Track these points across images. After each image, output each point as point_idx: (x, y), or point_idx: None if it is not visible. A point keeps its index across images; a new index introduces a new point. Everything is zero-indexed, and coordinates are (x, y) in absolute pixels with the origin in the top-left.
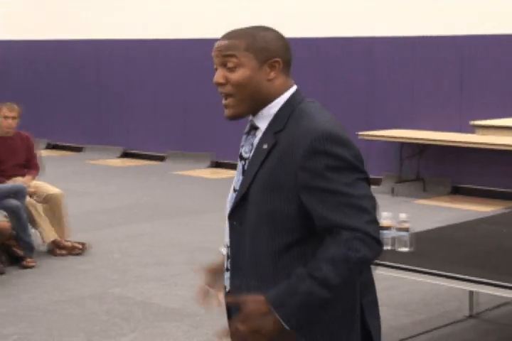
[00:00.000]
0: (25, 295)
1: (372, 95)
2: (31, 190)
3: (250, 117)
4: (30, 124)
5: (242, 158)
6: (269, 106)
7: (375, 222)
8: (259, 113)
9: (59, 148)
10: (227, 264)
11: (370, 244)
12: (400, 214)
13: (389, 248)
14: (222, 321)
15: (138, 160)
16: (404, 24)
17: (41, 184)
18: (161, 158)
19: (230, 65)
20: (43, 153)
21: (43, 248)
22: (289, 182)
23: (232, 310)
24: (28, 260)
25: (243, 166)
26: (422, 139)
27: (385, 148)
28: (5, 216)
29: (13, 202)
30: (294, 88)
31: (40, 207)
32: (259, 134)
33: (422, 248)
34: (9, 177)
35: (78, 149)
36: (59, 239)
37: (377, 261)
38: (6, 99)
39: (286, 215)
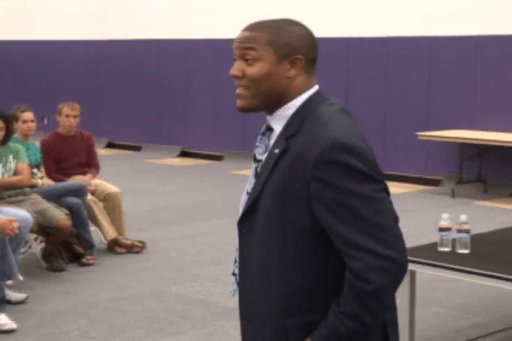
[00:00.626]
0: (85, 292)
1: (432, 95)
2: (91, 188)
3: (267, 117)
4: (91, 123)
5: (255, 159)
6: (286, 106)
7: (393, 239)
8: (275, 113)
9: (118, 147)
10: (234, 268)
11: (386, 269)
12: (461, 216)
13: (449, 249)
14: None
15: (196, 159)
16: (466, 23)
17: (100, 183)
18: (219, 158)
19: (248, 57)
20: (102, 152)
21: (103, 246)
22: (301, 192)
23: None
24: (88, 257)
25: (256, 169)
26: (483, 140)
27: (444, 148)
28: (66, 214)
29: (74, 200)
30: (314, 88)
31: (101, 205)
32: (274, 136)
33: (482, 250)
34: (70, 175)
35: (137, 148)
36: (119, 237)
37: (437, 263)
38: (67, 99)
39: (298, 226)
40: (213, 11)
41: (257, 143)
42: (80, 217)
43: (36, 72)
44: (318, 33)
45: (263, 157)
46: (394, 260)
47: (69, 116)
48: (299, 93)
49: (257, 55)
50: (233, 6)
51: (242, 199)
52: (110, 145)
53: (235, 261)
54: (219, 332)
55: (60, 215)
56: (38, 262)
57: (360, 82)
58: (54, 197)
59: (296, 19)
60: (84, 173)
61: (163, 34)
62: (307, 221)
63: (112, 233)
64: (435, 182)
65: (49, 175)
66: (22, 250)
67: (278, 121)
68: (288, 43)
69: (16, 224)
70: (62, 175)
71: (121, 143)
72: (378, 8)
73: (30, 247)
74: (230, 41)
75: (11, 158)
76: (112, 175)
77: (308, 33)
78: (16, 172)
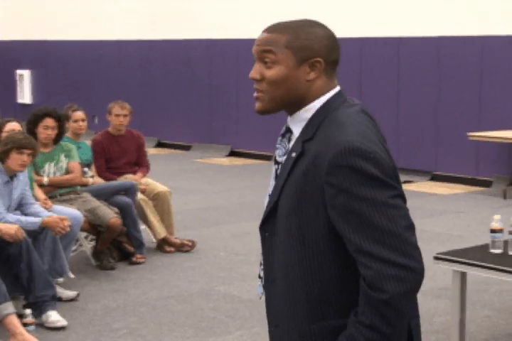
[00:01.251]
0: (135, 290)
1: (484, 95)
2: (142, 187)
3: (288, 118)
4: (141, 122)
5: (276, 161)
6: (305, 108)
7: (406, 247)
8: (295, 115)
9: (168, 146)
10: (259, 271)
11: (400, 277)
12: None
13: (500, 251)
14: None
15: (245, 159)
16: None
17: (150, 182)
18: (268, 158)
19: (267, 60)
20: (152, 151)
21: (152, 244)
22: (317, 197)
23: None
24: (138, 256)
25: (276, 171)
26: None
27: (496, 149)
28: (116, 212)
29: (124, 198)
30: (335, 90)
31: (150, 204)
32: (293, 138)
33: None
34: (120, 174)
35: (186, 147)
36: (168, 236)
37: (489, 265)
38: (118, 98)
39: (316, 230)
40: (260, 12)
41: (277, 145)
42: (130, 216)
43: (87, 72)
44: (373, 32)
45: (283, 159)
46: (408, 268)
47: (119, 116)
48: (319, 95)
49: (276, 58)
50: (278, 6)
51: (265, 202)
52: (160, 145)
53: (261, 264)
54: (267, 331)
55: (110, 214)
56: (88, 260)
57: (412, 82)
58: (105, 195)
59: (316, 20)
60: (134, 172)
61: (215, 34)
62: (324, 225)
63: (161, 232)
64: (487, 184)
65: (99, 174)
66: (73, 248)
67: (297, 124)
68: (307, 46)
69: (67, 223)
70: (113, 174)
71: (170, 142)
72: (433, 7)
73: (80, 245)
74: None
75: (62, 157)
76: (162, 175)
77: (328, 35)
78: (67, 171)
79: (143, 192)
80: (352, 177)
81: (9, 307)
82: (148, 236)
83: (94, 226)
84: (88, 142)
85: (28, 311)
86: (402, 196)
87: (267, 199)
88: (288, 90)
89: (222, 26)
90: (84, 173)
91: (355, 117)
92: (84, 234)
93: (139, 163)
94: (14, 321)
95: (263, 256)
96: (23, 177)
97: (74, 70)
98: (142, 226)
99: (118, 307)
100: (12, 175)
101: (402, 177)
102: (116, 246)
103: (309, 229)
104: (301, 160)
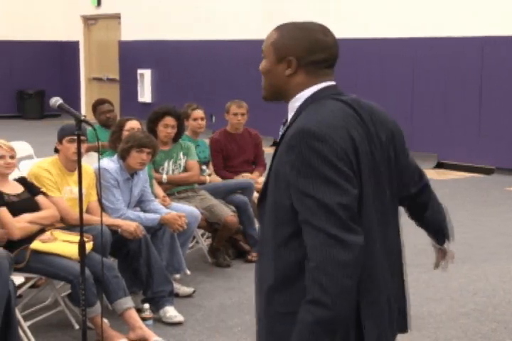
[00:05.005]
0: (250, 288)
1: None
2: (258, 186)
3: None
4: (258, 121)
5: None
6: (294, 99)
7: (335, 220)
8: (288, 105)
9: None
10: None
11: (327, 244)
12: None
13: None
14: None
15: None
16: None
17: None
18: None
19: (262, 54)
20: (268, 150)
21: None
22: (283, 177)
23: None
24: (253, 254)
25: None
26: None
27: None
28: (233, 211)
29: (241, 197)
30: (321, 85)
31: None
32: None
33: None
34: (237, 173)
35: None
36: None
37: None
38: (235, 97)
39: (285, 208)
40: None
41: (280, 132)
42: (246, 214)
43: (206, 72)
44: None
45: None
46: (333, 236)
47: (236, 114)
48: (300, 89)
49: (265, 52)
50: (393, 4)
51: None
52: (276, 144)
53: None
54: None
55: (227, 212)
56: (204, 257)
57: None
58: (222, 194)
59: (322, 23)
60: (250, 171)
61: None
62: (289, 204)
63: None
64: None
65: (217, 172)
66: (190, 245)
67: (290, 113)
68: (285, 45)
69: (184, 219)
70: (230, 172)
71: None
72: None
73: (197, 243)
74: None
75: (181, 155)
76: None
77: (315, 38)
78: (185, 169)
79: (259, 191)
80: (303, 155)
81: (129, 301)
82: None
83: (210, 224)
84: (206, 140)
85: (146, 306)
86: (349, 178)
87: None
88: (271, 82)
89: (344, 26)
90: (202, 171)
91: (329, 106)
92: (200, 231)
93: (256, 162)
94: (133, 315)
95: (259, 232)
96: (143, 175)
97: (192, 70)
98: (258, 225)
99: (233, 305)
100: (132, 173)
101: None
102: (232, 244)
103: (280, 207)
104: (280, 145)
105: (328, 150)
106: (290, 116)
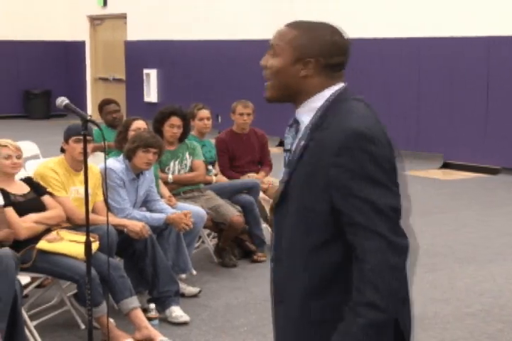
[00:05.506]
0: (256, 288)
1: None
2: (264, 186)
3: (295, 110)
4: (264, 121)
5: (285, 150)
6: (310, 100)
7: (390, 224)
8: (301, 106)
9: None
10: (271, 255)
11: (382, 249)
12: None
13: None
14: None
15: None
16: None
17: (274, 181)
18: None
19: (271, 51)
20: (275, 151)
21: None
22: (321, 181)
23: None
24: (259, 254)
25: (287, 158)
26: None
27: None
28: (239, 211)
29: (247, 197)
30: (336, 87)
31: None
32: (301, 128)
33: None
34: (243, 173)
35: None
36: None
37: None
38: (241, 97)
39: (316, 212)
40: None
41: (285, 135)
42: (252, 214)
43: (212, 71)
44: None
45: (292, 147)
46: (389, 241)
47: (242, 114)
48: (315, 91)
49: (279, 50)
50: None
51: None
52: (281, 144)
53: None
54: None
55: (232, 212)
56: (210, 257)
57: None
58: (228, 194)
59: (334, 24)
60: (256, 171)
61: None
62: (327, 208)
63: None
64: None
65: (223, 172)
66: (195, 245)
67: (304, 114)
68: (306, 46)
69: (190, 216)
70: (236, 172)
71: None
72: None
73: (203, 243)
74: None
75: (187, 155)
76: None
77: (334, 40)
78: (191, 169)
79: (265, 191)
80: (358, 158)
81: (135, 301)
82: (269, 235)
83: (216, 224)
84: (212, 140)
85: (152, 306)
86: (395, 181)
87: (280, 186)
88: (282, 81)
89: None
90: (208, 171)
91: (359, 108)
92: (206, 231)
93: (262, 162)
94: (139, 315)
95: (274, 238)
96: (148, 175)
97: (198, 69)
98: (264, 225)
99: (239, 305)
100: (138, 173)
101: None
102: (238, 243)
103: (314, 211)
104: (309, 147)
105: (379, 153)
106: (306, 117)
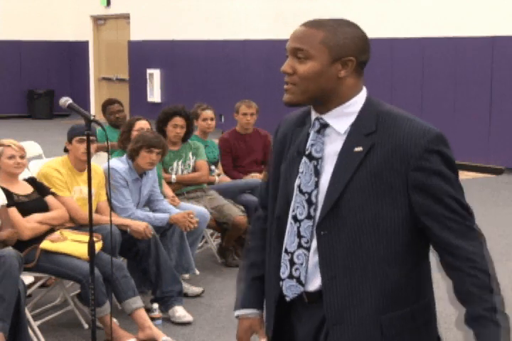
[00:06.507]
0: None
1: None
2: None
3: (314, 114)
4: (268, 122)
5: (312, 157)
6: (345, 105)
7: (474, 222)
8: (331, 111)
9: None
10: (290, 272)
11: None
12: None
13: None
14: None
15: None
16: None
17: None
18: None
19: (300, 55)
20: None
21: None
22: (396, 186)
23: None
24: None
25: (315, 166)
26: None
27: None
28: (242, 211)
29: (250, 197)
30: (365, 90)
31: None
32: (330, 133)
33: None
34: (246, 173)
35: None
36: None
37: None
38: (244, 97)
39: (393, 220)
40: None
41: (311, 141)
42: None
43: (215, 72)
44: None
45: (321, 154)
46: (481, 236)
47: (246, 114)
48: (352, 93)
49: (310, 53)
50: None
51: (294, 199)
52: None
53: (293, 264)
54: None
55: (236, 212)
56: (213, 257)
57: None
58: (231, 194)
59: (351, 20)
60: (259, 171)
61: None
62: (402, 214)
63: None
64: None
65: (226, 172)
66: (199, 245)
67: (337, 119)
68: (343, 44)
69: (193, 216)
70: (239, 172)
71: None
72: None
73: (206, 243)
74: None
75: (190, 155)
76: None
77: (362, 36)
78: (194, 169)
79: None
80: (442, 161)
81: (138, 301)
82: None
83: (219, 224)
84: (216, 140)
85: (156, 306)
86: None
87: (296, 195)
88: (319, 85)
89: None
90: (211, 171)
91: (404, 111)
92: (210, 231)
93: (265, 162)
94: (143, 315)
95: (319, 255)
96: (152, 175)
97: (202, 70)
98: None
99: None
100: (141, 173)
101: None
102: (242, 243)
103: (385, 219)
104: (374, 152)
105: (452, 155)
106: (337, 122)
